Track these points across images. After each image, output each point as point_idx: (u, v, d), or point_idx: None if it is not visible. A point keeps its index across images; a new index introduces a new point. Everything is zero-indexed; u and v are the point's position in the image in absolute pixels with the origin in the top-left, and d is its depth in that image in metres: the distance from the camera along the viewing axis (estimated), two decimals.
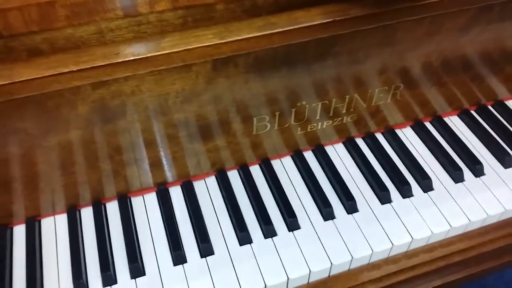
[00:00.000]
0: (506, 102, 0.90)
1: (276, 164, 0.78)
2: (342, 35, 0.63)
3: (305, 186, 0.76)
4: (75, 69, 0.48)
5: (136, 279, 0.64)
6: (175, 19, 0.55)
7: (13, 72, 0.48)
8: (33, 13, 0.46)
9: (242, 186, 0.76)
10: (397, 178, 0.76)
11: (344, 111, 0.76)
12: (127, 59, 0.50)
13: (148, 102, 0.60)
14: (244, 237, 0.68)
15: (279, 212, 0.72)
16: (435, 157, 0.81)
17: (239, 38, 0.53)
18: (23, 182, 0.64)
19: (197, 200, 0.73)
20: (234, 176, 0.77)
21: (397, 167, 0.78)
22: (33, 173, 0.64)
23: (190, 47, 0.52)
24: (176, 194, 0.74)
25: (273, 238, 0.69)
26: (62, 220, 0.70)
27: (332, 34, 0.61)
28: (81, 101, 0.56)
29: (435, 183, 0.76)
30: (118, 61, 0.50)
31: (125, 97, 0.58)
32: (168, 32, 0.54)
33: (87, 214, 0.71)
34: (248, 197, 0.74)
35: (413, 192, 0.75)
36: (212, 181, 0.76)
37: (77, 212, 0.71)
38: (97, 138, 0.63)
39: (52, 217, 0.70)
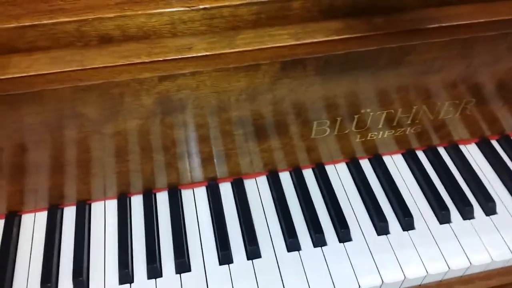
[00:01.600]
0: None
1: (330, 170, 0.76)
2: (420, 44, 0.59)
3: (359, 196, 0.73)
4: (147, 61, 0.47)
5: (181, 274, 0.63)
6: (249, 15, 0.52)
7: (84, 58, 0.46)
8: None
9: (294, 190, 0.73)
10: (458, 197, 0.71)
11: (408, 122, 0.72)
12: (199, 54, 0.48)
13: (211, 97, 0.58)
14: (292, 244, 0.66)
15: (330, 221, 0.69)
16: (500, 178, 0.76)
17: (316, 40, 0.51)
18: (78, 166, 0.64)
19: (247, 198, 0.71)
20: (286, 178, 0.75)
21: (459, 185, 0.74)
22: (88, 158, 0.63)
23: (265, 46, 0.50)
24: (226, 190, 0.73)
25: (323, 247, 0.66)
26: (112, 205, 0.70)
27: (410, 44, 0.57)
28: (146, 92, 0.54)
29: (499, 207, 0.71)
30: (191, 55, 0.48)
31: (189, 91, 0.56)
32: (240, 28, 0.52)
33: (137, 202, 0.70)
34: (299, 201, 0.72)
35: (475, 214, 0.70)
36: (263, 181, 0.74)
37: (128, 199, 0.70)
38: (155, 130, 0.62)
39: (102, 202, 0.70)
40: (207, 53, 0.49)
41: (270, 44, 0.50)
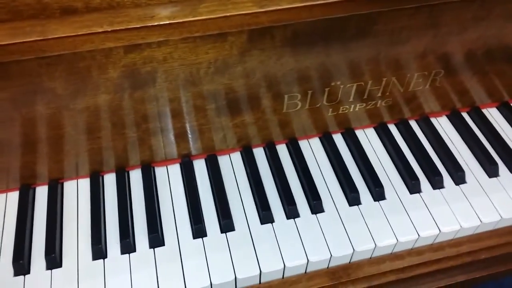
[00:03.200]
0: None
1: (303, 144, 0.76)
2: (386, 12, 0.59)
3: (331, 169, 0.74)
4: (109, 30, 0.47)
5: (155, 249, 0.63)
6: None
7: (45, 29, 0.46)
8: None
9: (267, 165, 0.74)
10: (429, 168, 0.73)
11: (379, 94, 0.73)
12: (162, 23, 0.48)
13: (180, 70, 0.58)
14: (266, 216, 0.67)
15: (303, 194, 0.70)
16: (470, 149, 0.77)
17: (280, 8, 0.51)
18: (48, 143, 0.64)
19: (220, 174, 0.72)
20: (259, 154, 0.75)
21: (430, 156, 0.75)
22: (59, 135, 0.63)
23: (228, 14, 0.50)
24: (200, 167, 0.73)
25: (296, 219, 0.67)
26: (84, 184, 0.70)
27: (376, 11, 0.58)
28: (112, 64, 0.54)
29: (468, 176, 0.73)
30: (153, 24, 0.48)
31: (156, 63, 0.56)
32: None
33: (110, 180, 0.70)
34: (273, 176, 0.72)
35: (445, 184, 0.72)
36: (237, 157, 0.75)
37: (100, 178, 0.70)
38: (125, 105, 0.62)
39: (75, 181, 0.70)
40: (170, 22, 0.48)
41: (233, 11, 0.50)
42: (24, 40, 0.46)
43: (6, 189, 0.68)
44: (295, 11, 0.52)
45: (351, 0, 0.53)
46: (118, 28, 0.47)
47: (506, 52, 0.73)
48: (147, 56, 0.55)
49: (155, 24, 0.48)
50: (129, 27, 0.47)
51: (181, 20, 0.49)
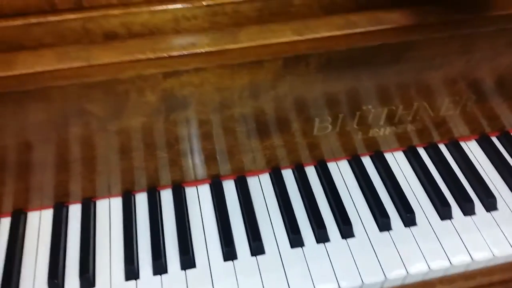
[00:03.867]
0: None
1: (332, 167, 0.76)
2: (421, 40, 0.60)
3: (361, 193, 0.73)
4: (152, 57, 0.48)
5: (186, 270, 0.63)
6: (252, 11, 0.53)
7: (90, 54, 0.47)
8: None
9: (296, 186, 0.74)
10: (459, 194, 0.72)
11: (409, 118, 0.73)
12: (203, 50, 0.49)
13: (215, 94, 0.59)
14: (296, 240, 0.66)
15: (333, 218, 0.70)
16: (500, 175, 0.76)
17: (318, 36, 0.51)
18: (83, 163, 0.65)
19: (250, 196, 0.72)
20: (288, 175, 0.75)
21: (460, 182, 0.74)
22: (94, 155, 0.64)
23: (267, 42, 0.50)
24: (230, 188, 0.73)
25: (326, 243, 0.67)
26: (117, 203, 0.71)
27: (411, 39, 0.58)
28: (151, 89, 0.55)
29: (499, 203, 0.72)
30: (195, 52, 0.49)
31: (193, 88, 0.57)
32: (243, 24, 0.53)
33: (141, 200, 0.71)
34: (302, 198, 0.72)
35: (476, 210, 0.71)
36: (266, 178, 0.75)
37: (132, 197, 0.71)
38: (159, 127, 0.63)
39: (107, 200, 0.71)
40: (211, 49, 0.49)
41: (273, 39, 0.51)
42: (70, 66, 0.47)
43: (40, 207, 0.69)
44: (333, 39, 0.52)
45: (388, 29, 0.53)
46: (161, 56, 0.48)
47: None
48: (184, 81, 0.56)
49: (197, 51, 0.49)
50: (172, 54, 0.48)
51: (221, 48, 0.50)
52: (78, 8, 0.47)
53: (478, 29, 0.61)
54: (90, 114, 0.57)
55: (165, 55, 0.48)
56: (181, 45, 0.49)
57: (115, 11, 0.49)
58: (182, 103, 0.59)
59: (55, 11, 0.47)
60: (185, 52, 0.49)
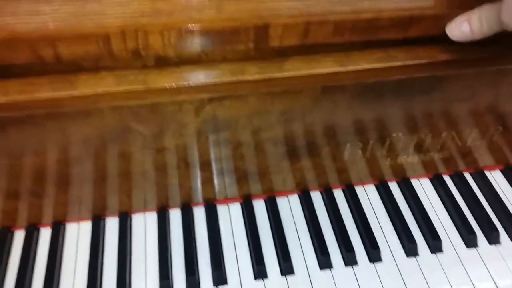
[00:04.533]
0: None
1: (359, 191, 0.78)
2: (454, 74, 0.62)
3: (388, 218, 0.75)
4: (204, 83, 0.51)
5: (218, 286, 0.65)
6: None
7: (146, 78, 0.50)
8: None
9: (325, 208, 0.76)
10: (485, 222, 0.74)
11: (437, 147, 0.75)
12: (252, 78, 0.52)
13: (255, 118, 0.62)
14: (324, 261, 0.68)
15: (360, 241, 0.72)
16: None
17: (359, 68, 0.54)
18: (122, 178, 0.68)
19: (279, 216, 0.74)
20: (316, 197, 0.77)
21: (486, 210, 0.76)
22: (134, 171, 0.67)
23: (311, 72, 0.53)
24: (260, 207, 0.76)
25: (354, 266, 0.68)
26: (152, 218, 0.73)
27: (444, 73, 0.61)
28: (196, 110, 0.58)
29: None
30: (244, 79, 0.52)
31: (234, 111, 0.60)
32: (288, 55, 0.56)
33: (175, 216, 0.74)
34: (330, 220, 0.74)
35: (501, 239, 0.72)
36: (295, 199, 0.77)
37: (167, 213, 0.73)
38: (198, 146, 0.65)
39: (142, 214, 0.74)
40: (259, 77, 0.52)
41: (316, 69, 0.54)
42: (128, 90, 0.50)
43: (78, 219, 0.72)
44: (372, 71, 0.55)
45: (424, 64, 0.56)
46: (212, 82, 0.51)
47: None
48: (227, 104, 0.59)
49: (245, 79, 0.52)
50: (223, 81, 0.51)
51: (268, 76, 0.52)
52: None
53: (506, 66, 0.63)
54: (136, 133, 0.60)
55: (217, 81, 0.51)
56: (230, 71, 0.52)
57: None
58: (224, 125, 0.62)
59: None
60: (235, 79, 0.52)
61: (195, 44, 0.52)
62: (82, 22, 0.47)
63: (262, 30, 0.52)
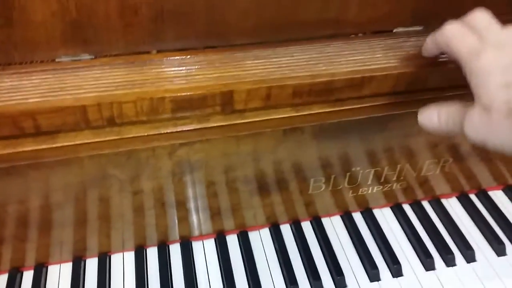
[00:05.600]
0: None
1: (326, 222, 0.84)
2: (399, 114, 0.69)
3: (352, 246, 0.81)
4: (174, 131, 0.56)
5: None
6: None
7: (121, 129, 0.56)
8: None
9: (294, 240, 0.81)
10: (442, 246, 0.80)
11: (394, 178, 0.82)
12: (216, 125, 0.58)
13: (223, 159, 0.67)
14: None
15: (327, 269, 0.77)
16: (478, 229, 0.84)
17: (312, 112, 0.61)
18: (101, 220, 0.72)
19: (251, 249, 0.79)
20: (286, 230, 0.83)
21: (442, 236, 0.82)
22: (112, 213, 0.71)
23: (270, 117, 0.60)
24: (233, 241, 0.80)
25: None
26: (130, 257, 0.77)
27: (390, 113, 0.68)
28: (168, 155, 0.64)
29: (478, 255, 0.79)
30: (210, 126, 0.58)
31: (204, 153, 0.65)
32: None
33: (152, 254, 0.78)
34: (299, 250, 0.79)
35: (456, 261, 0.78)
36: (266, 232, 0.82)
37: (144, 252, 0.78)
38: (172, 187, 0.71)
39: (121, 254, 0.78)
40: (223, 124, 0.58)
41: (274, 115, 0.60)
42: (104, 140, 0.55)
43: (59, 261, 0.76)
44: (324, 114, 0.62)
45: (371, 107, 0.63)
46: (181, 130, 0.57)
47: None
48: (197, 148, 0.64)
49: (211, 126, 0.58)
50: (190, 128, 0.57)
51: (231, 122, 0.59)
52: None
53: None
54: (114, 178, 0.65)
55: (184, 128, 0.57)
56: (198, 119, 0.58)
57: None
58: (194, 166, 0.68)
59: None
60: (201, 126, 0.58)
61: (167, 110, 0.58)
62: (61, 96, 0.53)
63: (227, 96, 0.58)
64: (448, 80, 0.64)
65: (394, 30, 0.69)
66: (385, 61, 0.62)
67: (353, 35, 0.67)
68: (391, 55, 0.64)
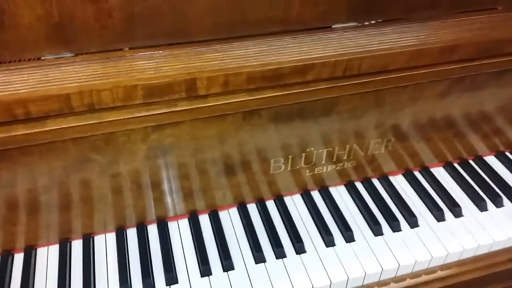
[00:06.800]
0: (485, 158, 1.06)
1: (288, 200, 0.94)
2: (343, 96, 0.81)
3: (311, 219, 0.91)
4: (146, 114, 0.66)
5: (171, 286, 0.78)
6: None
7: (100, 115, 0.66)
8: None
9: (259, 217, 0.91)
10: (388, 215, 0.91)
11: (345, 157, 0.93)
12: (182, 109, 0.68)
13: (192, 142, 0.77)
14: (259, 257, 0.83)
15: (289, 239, 0.87)
16: (422, 201, 0.96)
17: (264, 96, 0.72)
18: (84, 202, 0.81)
19: (221, 225, 0.88)
20: (252, 209, 0.93)
21: (389, 207, 0.93)
22: (93, 195, 0.80)
23: (228, 101, 0.70)
24: (205, 220, 0.90)
25: (283, 259, 0.83)
26: (112, 238, 0.86)
27: (335, 96, 0.79)
28: (142, 139, 0.73)
29: (420, 221, 0.91)
30: (177, 109, 0.68)
31: (174, 138, 0.75)
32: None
33: (132, 233, 0.87)
34: (264, 225, 0.89)
35: (402, 227, 0.90)
36: (234, 211, 0.92)
37: (124, 232, 0.86)
38: (147, 170, 0.80)
39: (103, 235, 0.86)
40: (188, 107, 0.69)
41: (232, 99, 0.71)
42: (87, 123, 0.65)
43: (47, 243, 0.84)
44: (275, 98, 0.73)
45: (315, 90, 0.74)
46: (152, 113, 0.67)
47: (440, 122, 0.95)
48: (168, 133, 0.74)
49: (177, 110, 0.68)
50: (160, 112, 0.67)
51: (195, 106, 0.69)
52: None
53: (385, 86, 0.83)
54: (94, 161, 0.74)
55: (156, 112, 0.67)
56: (167, 104, 0.68)
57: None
58: (166, 150, 0.77)
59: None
60: (169, 110, 0.68)
61: (139, 97, 0.67)
62: (47, 87, 0.63)
63: (191, 83, 0.68)
64: (379, 66, 0.76)
65: (333, 26, 0.81)
66: (324, 52, 0.74)
67: (297, 31, 0.78)
68: (330, 47, 0.75)
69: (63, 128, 0.65)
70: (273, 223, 0.89)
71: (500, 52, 0.83)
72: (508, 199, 0.96)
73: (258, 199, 0.94)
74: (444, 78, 0.86)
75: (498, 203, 0.95)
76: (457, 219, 0.92)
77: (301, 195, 0.96)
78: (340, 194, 0.97)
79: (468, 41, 0.80)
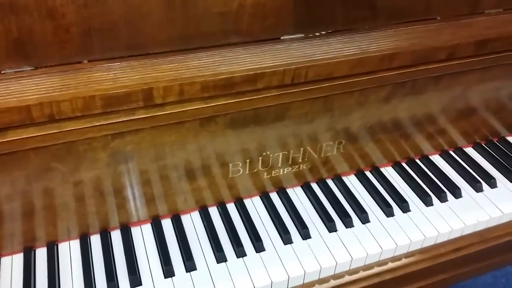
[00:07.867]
0: (430, 156, 1.14)
1: (247, 202, 0.99)
2: (294, 102, 0.87)
3: (270, 219, 0.96)
4: (105, 123, 0.70)
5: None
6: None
7: (60, 125, 0.69)
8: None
9: (221, 220, 0.95)
10: (342, 213, 0.97)
11: (300, 160, 0.98)
12: (140, 117, 0.72)
13: (151, 149, 0.81)
14: (220, 257, 0.87)
15: (249, 240, 0.91)
16: (372, 198, 1.03)
17: (218, 103, 0.77)
18: (47, 210, 0.83)
19: (183, 228, 0.92)
20: (214, 212, 0.97)
21: (343, 205, 0.99)
22: (56, 203, 0.82)
23: (185, 109, 0.75)
24: (167, 224, 0.94)
25: (244, 258, 0.88)
26: (75, 245, 0.88)
27: (286, 102, 0.85)
28: (102, 147, 0.77)
29: (371, 217, 0.97)
30: (135, 118, 0.72)
31: (134, 145, 0.79)
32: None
33: (96, 241, 0.89)
34: (225, 227, 0.94)
35: (354, 223, 0.96)
36: (196, 215, 0.96)
37: (88, 239, 0.89)
38: (109, 177, 0.83)
39: (67, 242, 0.88)
40: (146, 116, 0.73)
41: (188, 107, 0.75)
42: (47, 133, 0.68)
43: (11, 252, 0.85)
44: (229, 105, 0.78)
45: (266, 97, 0.80)
46: (112, 122, 0.71)
47: (387, 124, 1.02)
48: (128, 140, 0.78)
49: (136, 118, 0.72)
50: (119, 120, 0.71)
51: (153, 114, 0.73)
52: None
53: (332, 92, 0.89)
54: (56, 170, 0.77)
55: (114, 121, 0.71)
56: (125, 114, 0.72)
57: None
58: (127, 157, 0.81)
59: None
60: (127, 119, 0.72)
61: (98, 107, 0.71)
62: (8, 99, 0.65)
63: (148, 92, 0.72)
64: (325, 74, 0.82)
65: (281, 37, 0.87)
66: (273, 62, 0.79)
67: (249, 42, 0.83)
68: (278, 57, 0.81)
69: (24, 138, 0.67)
70: (233, 224, 0.94)
71: (435, 59, 0.90)
72: (452, 194, 1.04)
73: (219, 202, 0.98)
74: (386, 84, 0.93)
75: (443, 198, 1.02)
76: (405, 214, 0.99)
77: (260, 197, 1.01)
78: (297, 194, 1.02)
79: (406, 49, 0.87)
